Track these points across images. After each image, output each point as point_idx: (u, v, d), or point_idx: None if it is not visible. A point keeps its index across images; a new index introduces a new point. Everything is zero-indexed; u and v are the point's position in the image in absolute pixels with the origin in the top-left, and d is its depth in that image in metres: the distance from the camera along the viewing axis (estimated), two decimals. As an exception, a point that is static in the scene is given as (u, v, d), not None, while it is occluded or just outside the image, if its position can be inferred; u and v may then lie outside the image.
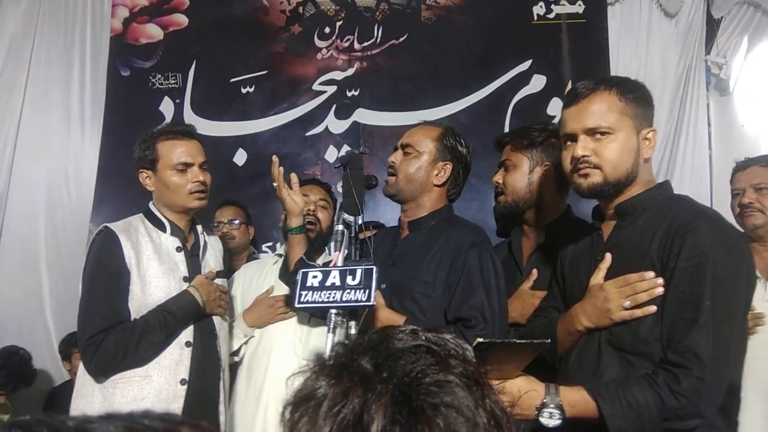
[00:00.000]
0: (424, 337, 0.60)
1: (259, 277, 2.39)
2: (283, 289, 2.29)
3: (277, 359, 2.19)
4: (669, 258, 1.35)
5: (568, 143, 1.50)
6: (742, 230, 2.20)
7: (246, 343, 2.30)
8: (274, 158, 2.01)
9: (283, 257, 2.40)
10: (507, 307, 1.84)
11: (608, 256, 1.47)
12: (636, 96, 1.47)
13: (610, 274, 1.46)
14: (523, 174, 1.99)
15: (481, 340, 1.20)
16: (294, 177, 2.03)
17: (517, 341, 1.29)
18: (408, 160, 1.94)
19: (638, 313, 1.38)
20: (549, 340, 1.40)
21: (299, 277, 1.71)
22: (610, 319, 1.41)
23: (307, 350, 2.19)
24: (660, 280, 1.36)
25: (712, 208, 3.08)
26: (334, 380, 0.56)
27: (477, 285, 1.78)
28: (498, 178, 2.05)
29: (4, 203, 3.66)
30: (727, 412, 1.39)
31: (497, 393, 0.58)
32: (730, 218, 2.29)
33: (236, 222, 2.93)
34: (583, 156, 1.44)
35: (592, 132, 1.44)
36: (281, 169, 1.99)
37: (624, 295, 1.39)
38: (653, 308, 1.36)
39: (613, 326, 1.42)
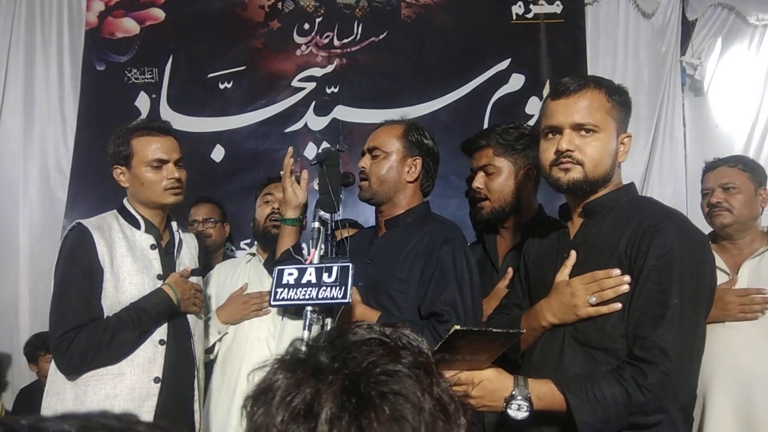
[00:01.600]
0: (378, 330, 0.63)
1: (233, 276, 2.40)
2: (256, 287, 2.30)
3: (251, 355, 2.20)
4: (637, 256, 1.37)
5: (550, 135, 1.49)
6: (710, 229, 2.25)
7: (220, 340, 2.30)
8: (290, 149, 2.02)
9: (255, 256, 2.41)
10: (481, 303, 1.86)
11: (573, 254, 1.49)
12: (621, 100, 1.49)
13: (577, 272, 1.47)
14: (509, 179, 1.98)
15: (458, 327, 1.21)
16: (305, 173, 2.03)
17: (493, 330, 1.29)
18: (377, 162, 1.94)
19: (604, 309, 1.40)
20: (523, 331, 1.44)
21: (275, 274, 1.71)
22: (575, 315, 1.43)
23: (281, 346, 2.19)
24: (626, 278, 1.38)
25: (684, 208, 3.16)
26: (291, 373, 0.59)
27: (450, 280, 1.79)
28: (479, 183, 2.01)
29: None
30: (685, 409, 1.42)
31: (448, 382, 0.61)
32: (701, 217, 2.33)
33: (211, 221, 2.90)
34: (567, 150, 1.44)
35: (578, 127, 1.45)
36: (292, 160, 1.98)
37: (590, 291, 1.41)
38: (618, 305, 1.38)
39: (578, 322, 1.43)
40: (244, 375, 2.17)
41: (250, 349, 2.22)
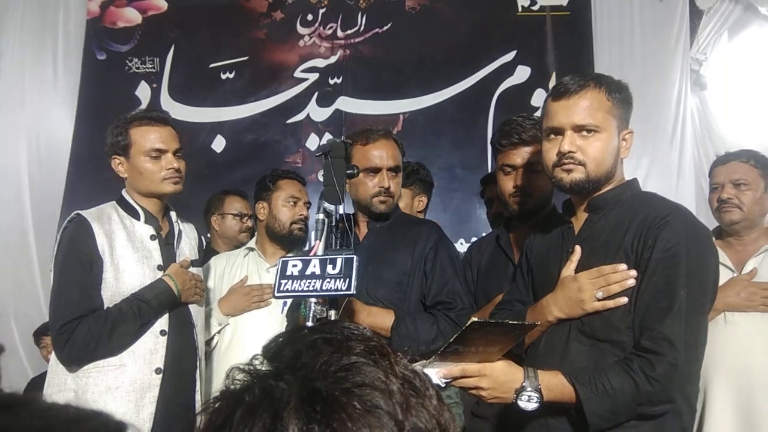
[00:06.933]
0: (318, 330, 0.59)
1: (231, 269, 2.41)
2: (255, 281, 2.34)
3: (252, 348, 2.18)
4: (644, 250, 1.39)
5: (552, 136, 1.51)
6: (715, 224, 2.22)
7: (220, 332, 2.31)
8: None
9: (255, 250, 2.43)
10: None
11: (578, 249, 1.50)
12: (621, 97, 1.49)
13: (583, 266, 1.48)
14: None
15: (476, 319, 1.21)
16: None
17: (510, 322, 1.31)
18: (398, 181, 2.05)
19: (610, 303, 1.41)
20: (539, 322, 1.46)
21: (279, 265, 1.69)
22: (582, 309, 1.44)
23: None
24: (633, 272, 1.39)
25: (690, 203, 3.12)
26: (239, 403, 0.53)
27: (450, 274, 1.97)
28: (522, 181, 1.90)
29: None
30: (689, 399, 1.43)
31: (404, 359, 0.58)
32: (708, 212, 2.30)
33: (248, 215, 2.85)
34: (570, 152, 1.45)
35: (579, 128, 1.46)
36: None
37: (597, 286, 1.42)
38: (624, 299, 1.40)
39: (584, 316, 1.45)
40: None
41: (250, 342, 2.23)
